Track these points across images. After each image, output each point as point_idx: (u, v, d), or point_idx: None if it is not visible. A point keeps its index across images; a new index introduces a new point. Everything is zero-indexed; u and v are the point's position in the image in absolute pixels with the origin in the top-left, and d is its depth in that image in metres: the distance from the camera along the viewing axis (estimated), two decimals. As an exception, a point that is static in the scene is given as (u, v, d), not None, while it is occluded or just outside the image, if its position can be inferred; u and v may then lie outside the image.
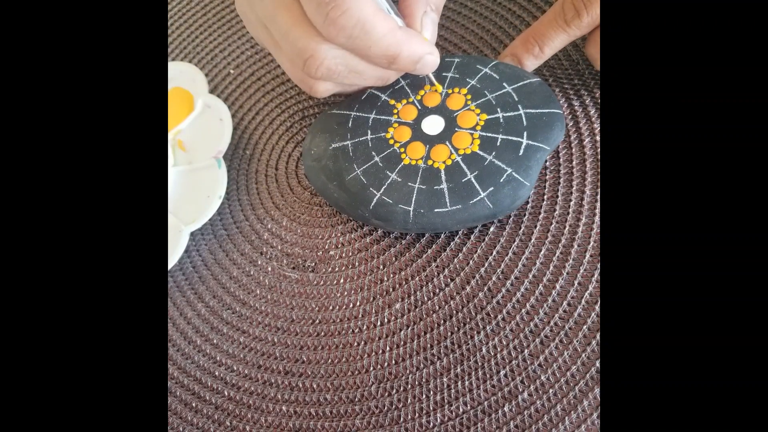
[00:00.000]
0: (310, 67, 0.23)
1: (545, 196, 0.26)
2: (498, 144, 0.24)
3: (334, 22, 0.21)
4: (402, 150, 0.25)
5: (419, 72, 0.25)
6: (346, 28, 0.21)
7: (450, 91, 0.26)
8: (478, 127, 0.25)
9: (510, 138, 0.25)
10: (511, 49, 0.27)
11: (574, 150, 0.27)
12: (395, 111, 0.27)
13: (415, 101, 0.27)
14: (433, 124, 0.26)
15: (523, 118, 0.25)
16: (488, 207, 0.24)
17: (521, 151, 0.24)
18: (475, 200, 0.24)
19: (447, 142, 0.25)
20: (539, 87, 0.26)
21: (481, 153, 0.24)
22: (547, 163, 0.27)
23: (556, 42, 0.26)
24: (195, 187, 0.29)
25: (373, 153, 0.26)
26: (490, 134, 0.25)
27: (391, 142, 0.26)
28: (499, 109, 0.25)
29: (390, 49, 0.22)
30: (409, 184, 0.25)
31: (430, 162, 0.25)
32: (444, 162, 0.25)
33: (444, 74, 0.27)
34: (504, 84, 0.26)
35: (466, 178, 0.24)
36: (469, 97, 0.26)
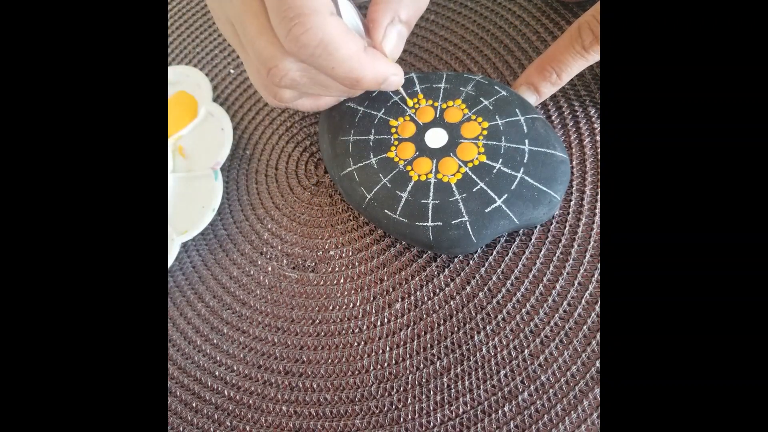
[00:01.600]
0: (273, 76, 0.23)
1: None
2: (502, 152, 0.24)
3: (296, 40, 0.20)
4: (409, 168, 0.25)
5: (384, 89, 0.24)
6: (308, 47, 0.20)
7: (444, 105, 0.26)
8: (481, 137, 0.25)
9: (512, 145, 0.24)
10: (525, 78, 0.26)
11: (574, 150, 0.27)
12: (394, 129, 0.26)
13: (412, 117, 0.26)
14: (437, 138, 0.25)
15: (522, 124, 0.24)
16: (508, 215, 0.23)
17: (525, 158, 0.24)
18: (491, 207, 0.23)
19: (453, 155, 0.25)
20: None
21: (489, 162, 0.24)
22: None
23: (574, 68, 0.25)
24: (191, 196, 0.29)
25: (381, 175, 0.25)
26: (493, 142, 0.24)
27: (396, 160, 0.25)
28: (497, 116, 0.25)
29: (352, 73, 0.21)
30: (422, 201, 0.24)
31: (439, 176, 0.24)
32: (454, 175, 0.24)
33: (435, 86, 0.26)
34: (497, 87, 0.26)
35: (477, 187, 0.24)
36: (463, 106, 0.25)
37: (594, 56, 0.25)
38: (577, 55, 0.24)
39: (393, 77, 0.23)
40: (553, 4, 0.31)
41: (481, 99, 0.25)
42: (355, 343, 0.25)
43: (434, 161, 0.25)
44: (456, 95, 0.26)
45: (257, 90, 0.27)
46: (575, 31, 0.24)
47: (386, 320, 0.25)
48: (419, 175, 0.24)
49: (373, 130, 0.26)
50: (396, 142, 0.25)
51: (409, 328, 0.25)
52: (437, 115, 0.26)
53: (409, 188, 0.24)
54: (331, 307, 0.26)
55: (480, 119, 0.25)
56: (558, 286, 0.24)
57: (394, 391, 0.24)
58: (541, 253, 0.25)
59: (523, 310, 0.24)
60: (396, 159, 0.25)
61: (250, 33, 0.22)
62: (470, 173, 0.24)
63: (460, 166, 0.24)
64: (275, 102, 0.25)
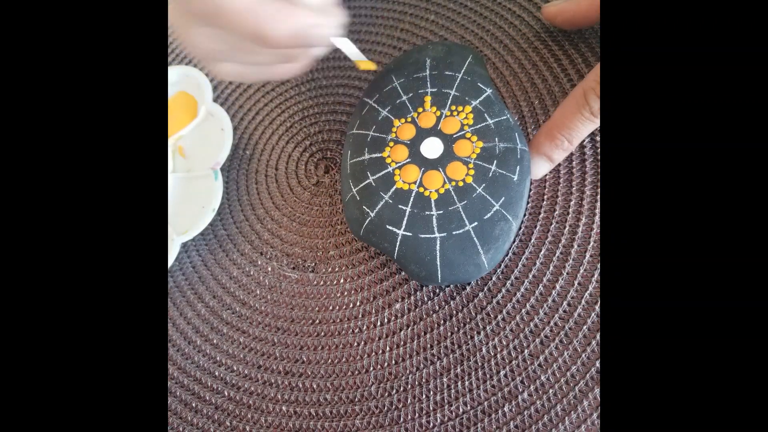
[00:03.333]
0: (187, 47, 0.21)
1: (545, 196, 0.26)
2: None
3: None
4: (397, 172, 0.25)
5: (309, 45, 0.21)
6: (198, 2, 0.19)
7: (448, 113, 0.25)
8: (473, 155, 0.24)
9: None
10: (537, 148, 0.25)
11: (574, 150, 0.27)
12: (393, 129, 0.26)
13: (414, 120, 0.26)
14: (432, 148, 0.25)
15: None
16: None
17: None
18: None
19: (441, 170, 0.24)
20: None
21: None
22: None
23: (583, 132, 0.24)
24: (191, 196, 0.29)
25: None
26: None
27: (388, 161, 0.25)
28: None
29: (250, 28, 0.19)
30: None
31: (421, 189, 0.24)
32: (436, 191, 0.24)
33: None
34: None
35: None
36: (467, 121, 0.25)
37: None
38: (587, 121, 0.24)
39: (313, 29, 0.20)
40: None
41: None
42: (355, 343, 0.25)
43: (422, 172, 0.24)
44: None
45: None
46: (581, 97, 0.24)
47: (386, 320, 0.25)
48: (404, 183, 0.24)
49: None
50: (392, 143, 0.25)
51: (409, 328, 0.25)
52: (436, 123, 0.25)
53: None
54: (331, 307, 0.26)
55: (475, 138, 0.25)
56: (558, 286, 0.24)
57: (394, 391, 0.24)
58: (541, 253, 0.25)
59: (523, 310, 0.24)
60: (388, 160, 0.25)
61: (171, 17, 0.21)
62: (452, 192, 0.24)
63: (445, 183, 0.24)
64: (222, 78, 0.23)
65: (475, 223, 0.23)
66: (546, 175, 0.27)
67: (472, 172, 0.24)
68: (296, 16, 0.20)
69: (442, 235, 0.23)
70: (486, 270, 0.23)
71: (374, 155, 0.25)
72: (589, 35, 0.29)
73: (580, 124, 0.24)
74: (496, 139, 0.24)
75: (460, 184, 0.24)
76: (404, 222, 0.24)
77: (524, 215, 0.26)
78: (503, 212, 0.23)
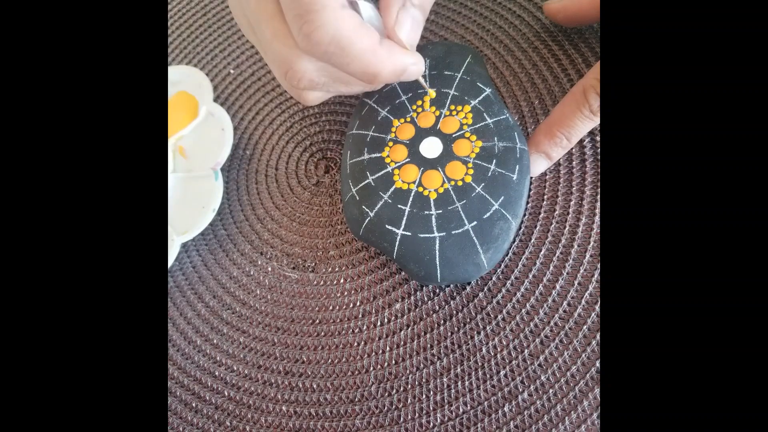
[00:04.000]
0: (291, 79, 0.22)
1: (545, 196, 0.26)
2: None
3: (308, 37, 0.20)
4: (397, 172, 0.25)
5: (405, 80, 0.23)
6: (321, 44, 0.20)
7: (447, 112, 0.25)
8: (473, 155, 0.24)
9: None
10: (535, 146, 0.25)
11: (574, 150, 0.27)
12: (393, 129, 0.26)
13: (413, 120, 0.26)
14: (431, 148, 0.25)
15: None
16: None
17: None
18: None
19: (440, 169, 0.24)
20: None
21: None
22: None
23: (582, 130, 0.24)
24: (191, 196, 0.29)
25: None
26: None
27: (387, 161, 0.25)
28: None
29: (369, 68, 0.21)
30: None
31: (420, 189, 0.24)
32: (436, 190, 0.24)
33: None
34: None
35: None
36: (466, 120, 0.25)
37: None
38: (587, 119, 0.24)
39: (412, 67, 0.22)
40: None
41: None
42: (355, 343, 0.25)
43: (421, 171, 0.24)
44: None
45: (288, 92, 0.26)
46: (580, 95, 0.24)
47: (386, 320, 0.25)
48: (403, 183, 0.24)
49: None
50: (391, 143, 0.25)
51: (409, 328, 0.25)
52: (436, 123, 0.25)
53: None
54: (331, 307, 0.26)
55: (474, 137, 0.25)
56: (558, 286, 0.24)
57: (394, 391, 0.24)
58: (541, 253, 0.25)
59: (523, 310, 0.24)
60: (387, 160, 0.25)
61: (266, 35, 0.22)
62: (451, 191, 0.24)
63: (444, 182, 0.24)
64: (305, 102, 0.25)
65: (475, 223, 0.23)
66: (546, 175, 0.27)
67: (471, 171, 0.24)
68: (402, 55, 0.22)
69: (441, 234, 0.23)
70: (485, 269, 0.23)
71: (374, 155, 0.25)
72: (589, 35, 0.29)
73: (580, 122, 0.24)
74: (495, 138, 0.24)
75: (459, 183, 0.24)
76: (403, 221, 0.24)
77: (524, 215, 0.26)
78: (502, 211, 0.23)
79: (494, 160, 0.24)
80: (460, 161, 0.24)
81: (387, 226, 0.24)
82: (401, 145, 0.25)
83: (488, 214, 0.23)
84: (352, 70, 0.21)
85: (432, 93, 0.26)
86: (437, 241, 0.23)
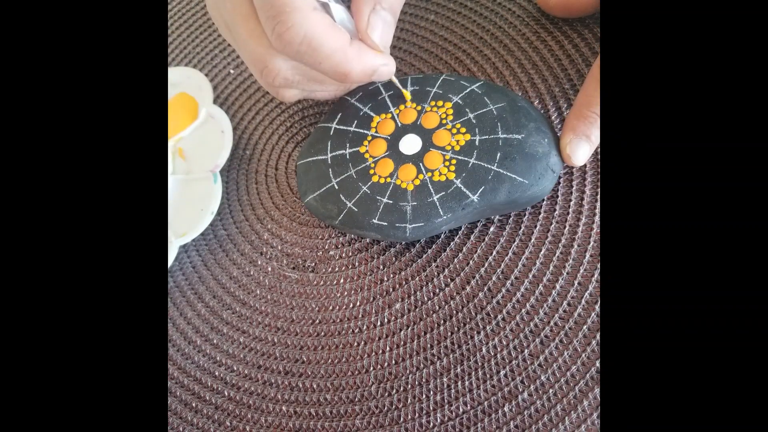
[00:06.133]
0: (266, 77, 0.23)
1: (545, 196, 0.26)
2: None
3: (280, 37, 0.20)
4: (373, 165, 0.25)
5: (376, 80, 0.24)
6: (293, 44, 0.21)
7: (428, 108, 0.26)
8: (449, 147, 0.24)
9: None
10: (573, 131, 0.24)
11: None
12: (373, 125, 0.26)
13: (394, 116, 0.26)
14: (411, 144, 0.25)
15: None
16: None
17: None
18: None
19: (420, 163, 0.24)
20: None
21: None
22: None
23: None
24: (190, 198, 0.29)
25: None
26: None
27: (366, 156, 0.25)
28: (477, 130, 0.24)
29: (340, 67, 0.22)
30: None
31: (398, 182, 0.24)
32: (412, 182, 0.24)
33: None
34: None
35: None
36: (447, 114, 0.25)
37: None
38: None
39: (383, 68, 0.23)
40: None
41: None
42: (355, 343, 0.25)
43: (396, 166, 0.25)
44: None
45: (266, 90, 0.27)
46: (599, 73, 0.24)
47: (386, 320, 0.25)
48: (380, 177, 0.25)
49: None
50: (370, 138, 0.26)
51: (409, 329, 0.25)
52: (417, 119, 0.26)
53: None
54: (331, 307, 0.26)
55: (455, 130, 0.25)
56: (558, 286, 0.24)
57: (394, 391, 0.24)
58: (541, 253, 0.25)
59: (523, 310, 0.24)
60: (366, 155, 0.26)
61: (242, 35, 0.23)
62: (429, 184, 0.24)
63: (419, 173, 0.24)
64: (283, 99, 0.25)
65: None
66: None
67: (452, 167, 0.24)
68: (372, 56, 0.23)
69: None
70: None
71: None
72: (589, 35, 0.29)
73: None
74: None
75: (437, 175, 0.24)
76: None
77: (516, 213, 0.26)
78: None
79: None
80: (440, 151, 0.24)
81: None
82: (381, 140, 0.26)
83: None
84: (323, 69, 0.22)
85: (407, 94, 0.26)
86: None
